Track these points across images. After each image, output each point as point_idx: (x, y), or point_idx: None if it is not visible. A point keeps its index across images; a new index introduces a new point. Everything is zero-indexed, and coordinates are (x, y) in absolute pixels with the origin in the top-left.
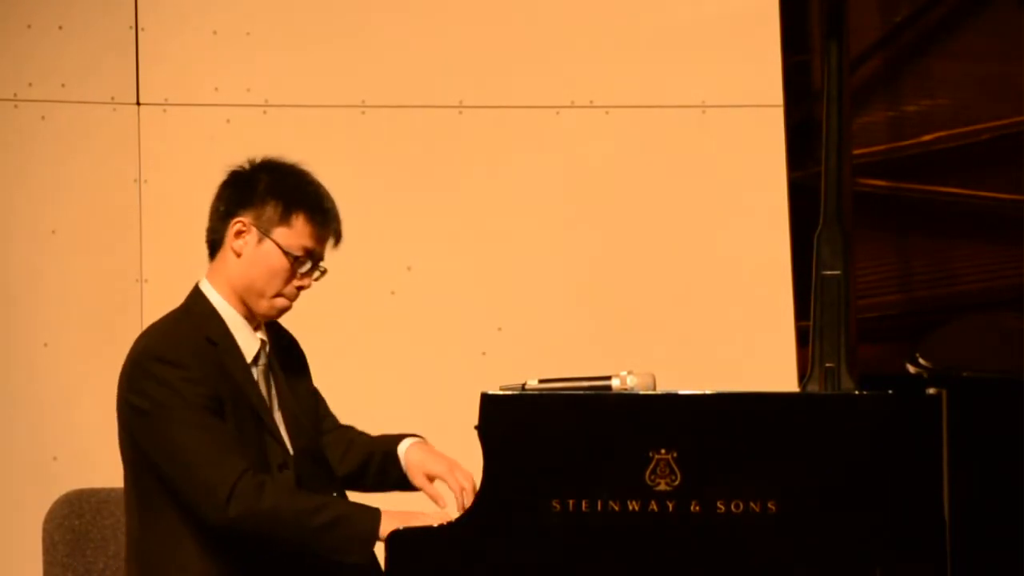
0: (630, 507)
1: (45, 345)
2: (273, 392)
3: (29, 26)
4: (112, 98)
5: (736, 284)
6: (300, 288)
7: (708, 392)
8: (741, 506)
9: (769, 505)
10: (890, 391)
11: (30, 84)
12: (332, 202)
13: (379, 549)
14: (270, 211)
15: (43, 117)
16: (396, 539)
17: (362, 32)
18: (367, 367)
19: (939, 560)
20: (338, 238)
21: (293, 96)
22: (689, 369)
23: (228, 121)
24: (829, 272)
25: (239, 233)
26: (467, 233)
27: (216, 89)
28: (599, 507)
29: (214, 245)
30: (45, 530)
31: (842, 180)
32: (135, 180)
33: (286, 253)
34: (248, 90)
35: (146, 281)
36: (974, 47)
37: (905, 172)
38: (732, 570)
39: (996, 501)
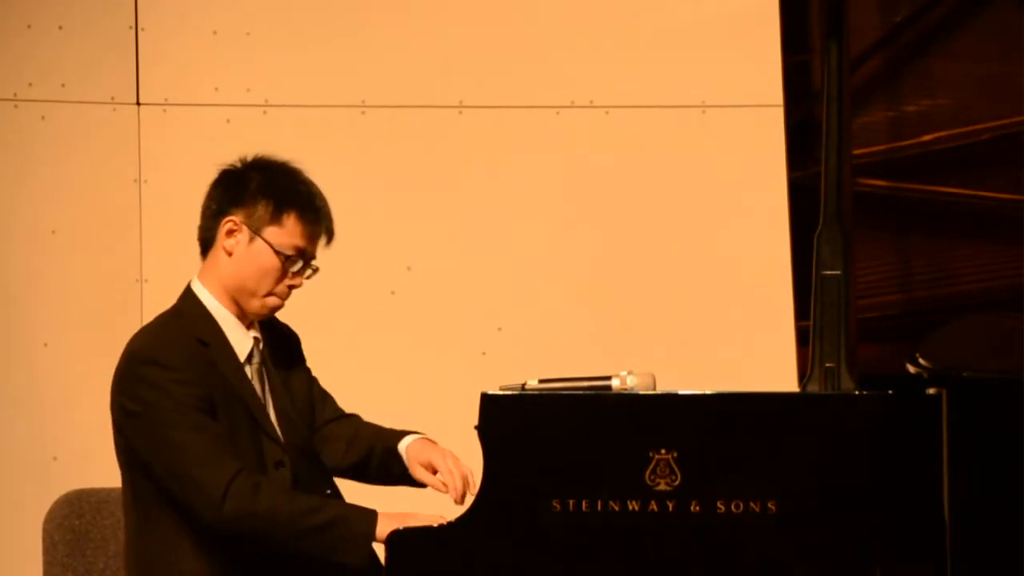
0: (630, 507)
1: (45, 345)
2: (268, 390)
3: (29, 26)
4: (112, 98)
5: (736, 284)
6: (292, 287)
7: (708, 392)
8: (741, 506)
9: (769, 505)
10: (890, 391)
11: (30, 84)
12: (324, 201)
13: (379, 550)
14: (261, 210)
15: (43, 117)
16: (396, 539)
17: (362, 32)
18: (367, 367)
19: (939, 560)
20: (330, 237)
21: (293, 96)
22: (689, 369)
23: (228, 121)
24: (829, 272)
25: (230, 232)
26: (467, 233)
27: (216, 89)
28: (599, 507)
29: (206, 244)
30: (45, 530)
31: (842, 180)
32: (135, 180)
33: (277, 252)
34: (248, 90)
35: (146, 281)
36: (974, 47)
37: (905, 172)
38: (732, 570)
39: (996, 501)
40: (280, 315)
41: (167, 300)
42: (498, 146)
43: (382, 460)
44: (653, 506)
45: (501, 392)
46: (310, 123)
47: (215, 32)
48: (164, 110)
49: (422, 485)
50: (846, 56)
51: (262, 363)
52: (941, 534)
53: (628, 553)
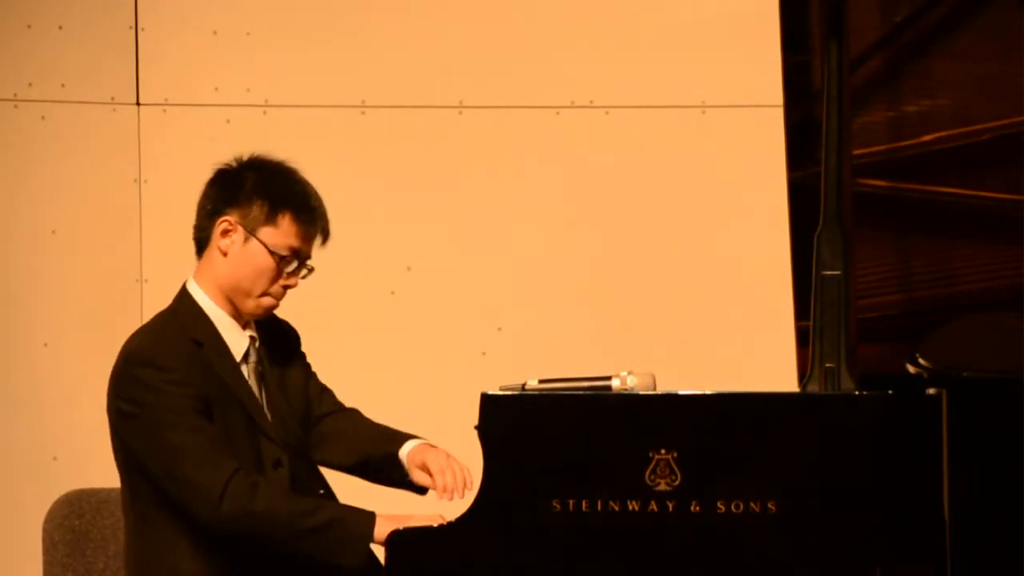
0: (630, 507)
1: (45, 345)
2: (265, 389)
3: (29, 26)
4: (112, 98)
5: (736, 284)
6: (287, 287)
7: (708, 392)
8: (741, 506)
9: (769, 505)
10: (890, 391)
11: (30, 84)
12: (319, 200)
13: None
14: (256, 210)
15: (43, 117)
16: (396, 539)
17: (362, 32)
18: (367, 367)
19: (939, 560)
20: (325, 237)
21: (293, 96)
22: (689, 369)
23: (228, 121)
24: (829, 272)
25: (225, 232)
26: (467, 233)
27: (216, 89)
28: (599, 507)
29: (201, 243)
30: (45, 530)
31: (842, 180)
32: (135, 180)
33: (272, 253)
34: (248, 90)
35: (146, 281)
36: (974, 47)
37: (905, 172)
38: (732, 570)
39: (996, 501)
40: (280, 315)
41: (167, 300)
42: (498, 146)
43: (381, 465)
44: (653, 506)
45: (501, 392)
46: (310, 123)
47: (215, 32)
48: (164, 110)
49: (423, 491)
50: (846, 56)
51: (259, 362)
52: (941, 534)
53: (628, 553)
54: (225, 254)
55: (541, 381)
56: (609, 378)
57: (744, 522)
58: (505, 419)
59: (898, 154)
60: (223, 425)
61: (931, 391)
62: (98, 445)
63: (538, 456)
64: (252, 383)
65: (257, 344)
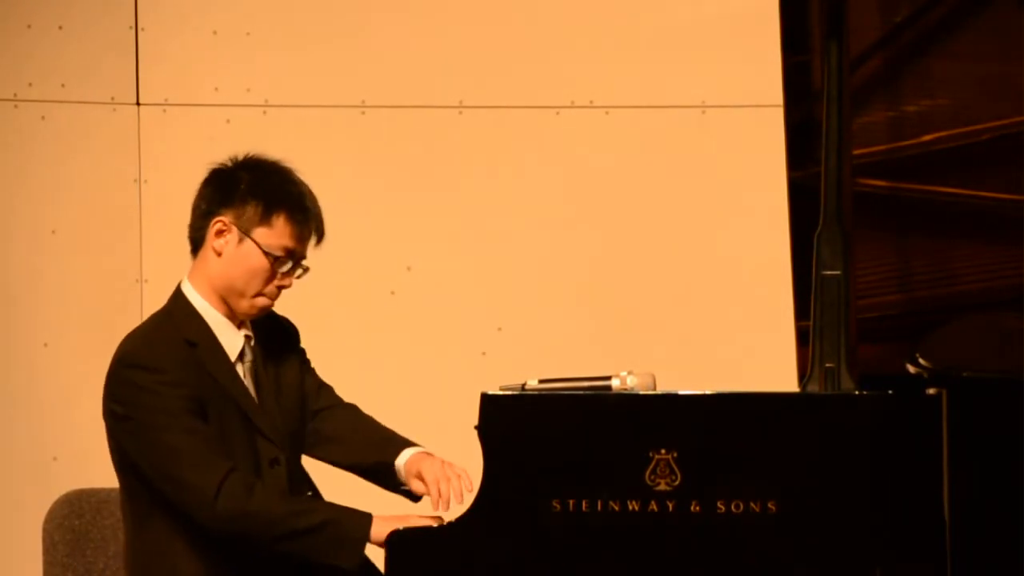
0: (630, 507)
1: (45, 345)
2: (260, 388)
3: (29, 26)
4: (112, 98)
5: (736, 284)
6: (281, 288)
7: (708, 392)
8: (741, 506)
9: (769, 505)
10: (890, 391)
11: (30, 84)
12: (314, 201)
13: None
14: (251, 211)
15: (43, 117)
16: (396, 539)
17: (362, 32)
18: (367, 367)
19: (939, 560)
20: (320, 237)
21: (293, 96)
22: (689, 369)
23: (228, 121)
24: (829, 272)
25: (220, 232)
26: (467, 233)
27: (216, 89)
28: (599, 507)
29: (196, 243)
30: (45, 530)
31: (842, 180)
32: (135, 180)
33: (266, 253)
34: (248, 90)
35: (146, 281)
36: (974, 47)
37: (905, 172)
38: (732, 570)
39: (996, 501)
40: (281, 314)
41: (167, 300)
42: (498, 146)
43: (376, 470)
44: (653, 506)
45: (501, 392)
46: (310, 123)
47: (215, 32)
48: (164, 110)
49: (417, 498)
50: (846, 56)
51: (254, 360)
52: (941, 534)
53: (628, 553)
54: (219, 254)
55: (541, 381)
56: (609, 378)
57: (744, 522)
58: (505, 419)
59: (898, 154)
60: (218, 425)
61: (931, 391)
62: (98, 445)
63: (538, 456)
64: (248, 382)
65: (252, 343)
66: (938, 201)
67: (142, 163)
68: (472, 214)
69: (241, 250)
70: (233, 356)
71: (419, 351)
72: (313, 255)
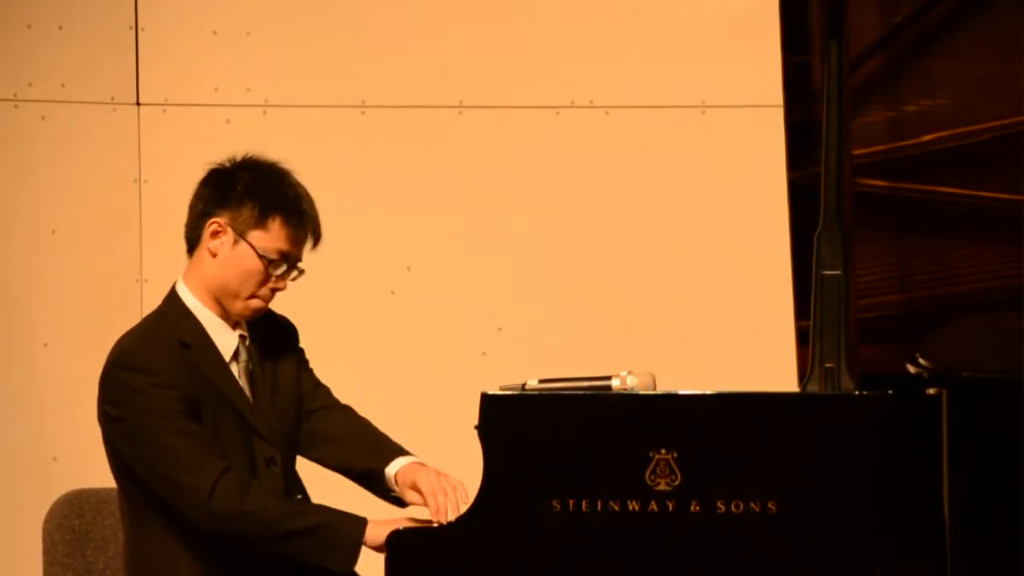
0: (630, 507)
1: (45, 345)
2: (255, 388)
3: (29, 26)
4: (112, 98)
5: (736, 284)
6: (275, 290)
7: (708, 392)
8: (741, 506)
9: (769, 505)
10: (890, 391)
11: (30, 84)
12: (311, 203)
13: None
14: (247, 213)
15: (43, 117)
16: (396, 539)
17: (362, 32)
18: (367, 367)
19: (939, 560)
20: (316, 240)
21: (293, 96)
22: (689, 369)
23: (228, 121)
24: (829, 272)
25: (215, 234)
26: (467, 233)
27: (216, 89)
28: (599, 507)
29: (191, 243)
30: (45, 530)
31: (842, 180)
32: (135, 180)
33: (261, 256)
34: (248, 90)
35: (146, 281)
36: (974, 47)
37: (905, 172)
38: (732, 570)
39: (996, 501)
40: (281, 314)
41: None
42: (498, 146)
43: (367, 475)
44: (653, 506)
45: (501, 392)
46: (310, 123)
47: (215, 32)
48: (164, 110)
49: (404, 505)
50: (846, 56)
51: (249, 360)
52: (941, 534)
53: (628, 553)
54: (214, 255)
55: (541, 381)
56: (609, 378)
57: (744, 522)
58: (505, 419)
59: (898, 154)
60: (213, 426)
61: (931, 391)
62: (98, 445)
63: (538, 456)
64: (243, 382)
65: (248, 343)
66: (938, 201)
67: (142, 163)
68: (472, 214)
69: (236, 252)
70: (227, 356)
71: (419, 351)
72: (313, 255)
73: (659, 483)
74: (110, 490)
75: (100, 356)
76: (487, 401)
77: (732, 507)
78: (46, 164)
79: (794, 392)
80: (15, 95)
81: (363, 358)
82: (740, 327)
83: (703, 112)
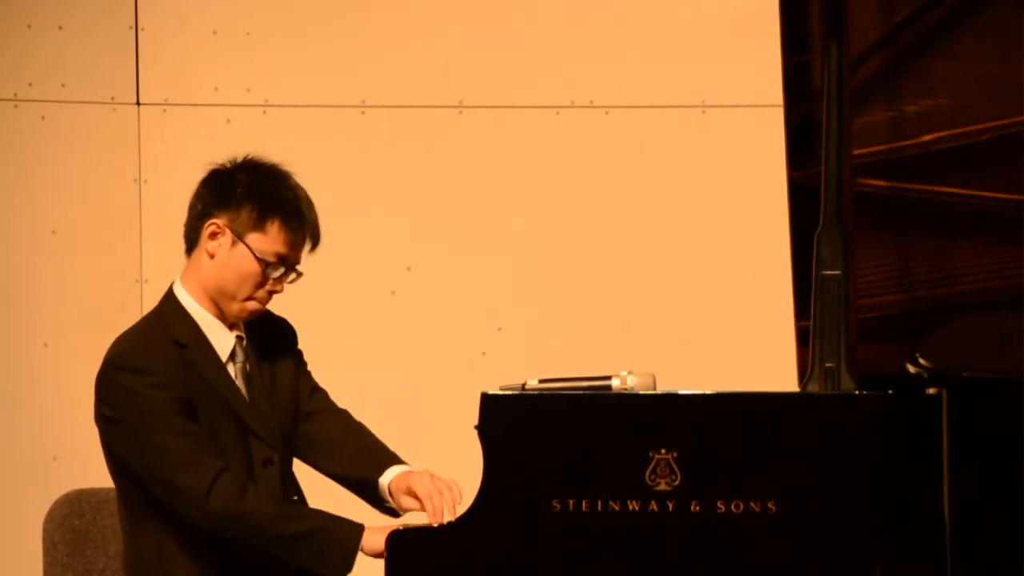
0: (630, 507)
1: (45, 345)
2: (252, 388)
3: (29, 26)
4: (112, 98)
5: (736, 284)
6: (272, 292)
7: (708, 392)
8: (741, 506)
9: (769, 505)
10: (890, 391)
11: (30, 84)
12: (311, 207)
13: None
14: (245, 215)
15: (43, 117)
16: (396, 539)
17: (362, 32)
18: (367, 367)
19: (939, 560)
20: (315, 243)
21: (293, 96)
22: (689, 369)
23: (228, 121)
24: (829, 272)
25: (213, 235)
26: (467, 233)
27: (216, 89)
28: (599, 507)
29: (190, 243)
30: (45, 530)
31: (842, 180)
32: (135, 180)
33: (259, 259)
34: (248, 90)
35: (146, 281)
36: (974, 47)
37: (905, 172)
38: (732, 570)
39: (996, 501)
40: (280, 315)
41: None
42: (498, 146)
43: (360, 484)
44: (653, 506)
45: (501, 392)
46: (310, 123)
47: (215, 32)
48: (164, 110)
49: (397, 515)
50: (846, 56)
51: (246, 360)
52: (941, 534)
53: (628, 553)
54: (212, 256)
55: (541, 381)
56: (609, 378)
57: (744, 522)
58: (505, 419)
59: (898, 154)
60: (209, 426)
61: (931, 391)
62: (98, 445)
63: (538, 456)
64: (239, 382)
65: (245, 343)
66: (938, 201)
67: (142, 163)
68: (472, 214)
69: (233, 254)
70: (224, 356)
71: (419, 351)
72: (313, 255)
73: (659, 483)
74: (110, 490)
75: (100, 356)
76: (487, 401)
77: (732, 507)
78: (46, 164)
79: (794, 392)
80: (15, 95)
81: (363, 358)
82: (740, 327)
83: (703, 112)
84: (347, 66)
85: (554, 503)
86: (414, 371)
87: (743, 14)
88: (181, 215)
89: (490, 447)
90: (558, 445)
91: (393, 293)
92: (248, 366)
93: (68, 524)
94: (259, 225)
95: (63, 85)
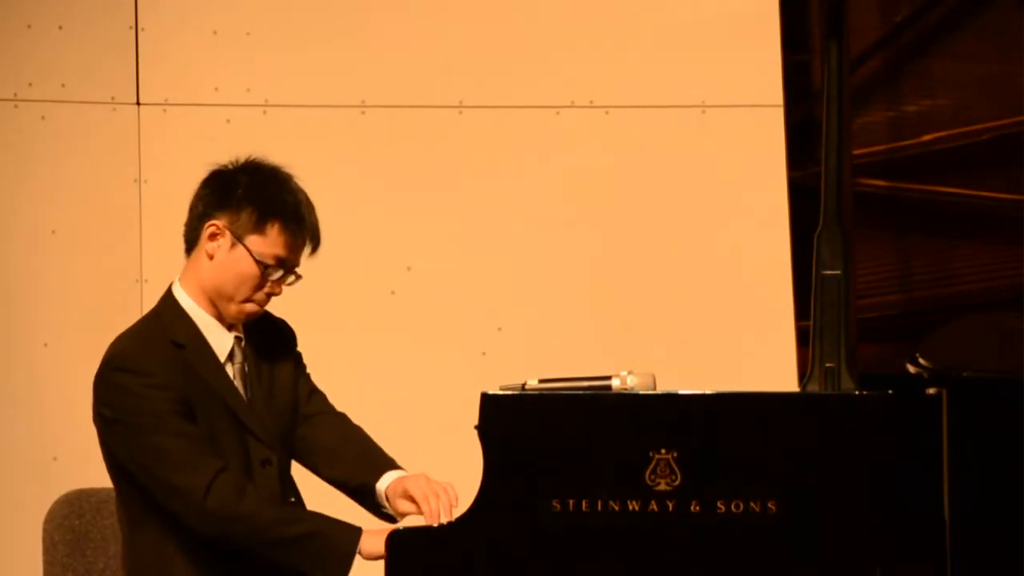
0: (630, 507)
1: (45, 345)
2: (250, 389)
3: (29, 26)
4: (112, 98)
5: (736, 284)
6: (271, 295)
7: (708, 392)
8: (741, 506)
9: (769, 505)
10: (890, 391)
11: (30, 84)
12: (311, 210)
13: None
14: (245, 217)
15: (43, 117)
16: (396, 539)
17: (362, 32)
18: (367, 367)
19: (939, 560)
20: (315, 247)
21: (293, 96)
22: (689, 369)
23: (228, 121)
24: (829, 272)
25: (213, 236)
26: (467, 233)
27: (216, 89)
28: (599, 507)
29: (189, 243)
30: (45, 530)
31: (842, 180)
32: (135, 180)
33: (258, 261)
34: (248, 90)
35: (146, 281)
36: (974, 47)
37: (905, 172)
38: (732, 570)
39: (996, 501)
40: (280, 315)
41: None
42: (498, 146)
43: (358, 490)
44: (653, 506)
45: (501, 392)
46: (310, 123)
47: (215, 32)
48: (164, 110)
49: (394, 521)
50: (846, 56)
51: (244, 361)
52: (941, 534)
53: (628, 553)
54: (211, 257)
55: (541, 381)
56: (609, 378)
57: (744, 522)
58: (505, 419)
59: (898, 154)
60: (207, 427)
61: (931, 391)
62: (98, 445)
63: (538, 456)
64: (238, 383)
65: (243, 344)
66: (938, 201)
67: (142, 163)
68: (472, 214)
69: (233, 255)
70: (222, 357)
71: (419, 351)
72: (313, 256)
73: (659, 483)
74: (110, 490)
75: (100, 356)
76: (487, 401)
77: (732, 507)
78: (46, 164)
79: (794, 392)
80: (15, 95)
81: (363, 358)
82: (740, 327)
83: (703, 112)
84: (347, 66)
85: (554, 503)
86: (414, 371)
87: (743, 14)
88: (181, 215)
89: (490, 447)
90: (558, 445)
91: (393, 293)
92: (246, 367)
93: (68, 524)
94: (259, 227)
95: (63, 85)
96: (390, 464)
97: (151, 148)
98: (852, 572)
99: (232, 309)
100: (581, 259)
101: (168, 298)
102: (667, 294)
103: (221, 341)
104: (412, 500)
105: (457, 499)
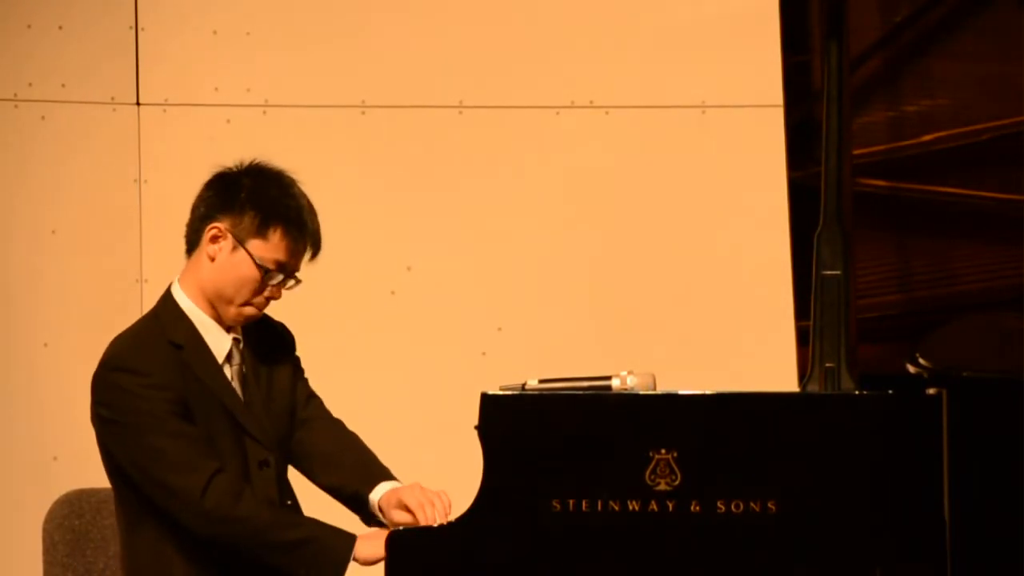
0: (630, 507)
1: (45, 345)
2: (248, 390)
3: (29, 26)
4: (112, 98)
5: (736, 284)
6: (270, 298)
7: (708, 392)
8: (741, 506)
9: (769, 505)
10: (890, 391)
11: (30, 84)
12: (313, 216)
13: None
14: (247, 221)
15: (43, 117)
16: (396, 539)
17: (362, 32)
18: (367, 367)
19: (939, 560)
20: (316, 252)
21: (293, 96)
22: (689, 369)
23: (228, 121)
24: (829, 272)
25: (214, 238)
26: (467, 233)
27: (216, 89)
28: (599, 507)
29: (191, 244)
30: (45, 530)
31: (842, 180)
32: (135, 180)
33: (258, 265)
34: (248, 90)
35: (146, 281)
36: (974, 47)
37: (905, 172)
38: (732, 570)
39: (996, 501)
40: (280, 315)
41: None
42: (498, 146)
43: (351, 499)
44: (653, 506)
45: (501, 392)
46: (310, 123)
47: (215, 32)
48: (164, 110)
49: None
50: (846, 56)
51: (242, 363)
52: (941, 534)
53: (628, 553)
54: (212, 259)
55: (541, 381)
56: (609, 378)
57: (744, 522)
58: (505, 419)
59: (898, 154)
60: (205, 427)
61: (931, 391)
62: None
63: (538, 456)
64: (235, 384)
65: (241, 346)
66: (938, 201)
67: (142, 163)
68: (472, 214)
69: (233, 258)
70: (220, 358)
71: (419, 351)
72: (313, 261)
73: (659, 483)
74: (110, 490)
75: (100, 356)
76: (487, 401)
77: (732, 507)
78: (46, 164)
79: (794, 392)
80: (15, 95)
81: (363, 358)
82: (740, 327)
83: (703, 112)
84: (347, 66)
85: (554, 503)
86: (414, 371)
87: (743, 14)
88: (181, 215)
89: (490, 447)
90: (558, 445)
91: (393, 293)
92: (244, 368)
93: (68, 524)
94: (261, 232)
95: (63, 85)
96: (384, 474)
97: (151, 148)
98: (852, 572)
99: (231, 312)
100: (581, 259)
101: (167, 299)
102: (667, 294)
103: (219, 342)
104: (407, 510)
105: (451, 505)
